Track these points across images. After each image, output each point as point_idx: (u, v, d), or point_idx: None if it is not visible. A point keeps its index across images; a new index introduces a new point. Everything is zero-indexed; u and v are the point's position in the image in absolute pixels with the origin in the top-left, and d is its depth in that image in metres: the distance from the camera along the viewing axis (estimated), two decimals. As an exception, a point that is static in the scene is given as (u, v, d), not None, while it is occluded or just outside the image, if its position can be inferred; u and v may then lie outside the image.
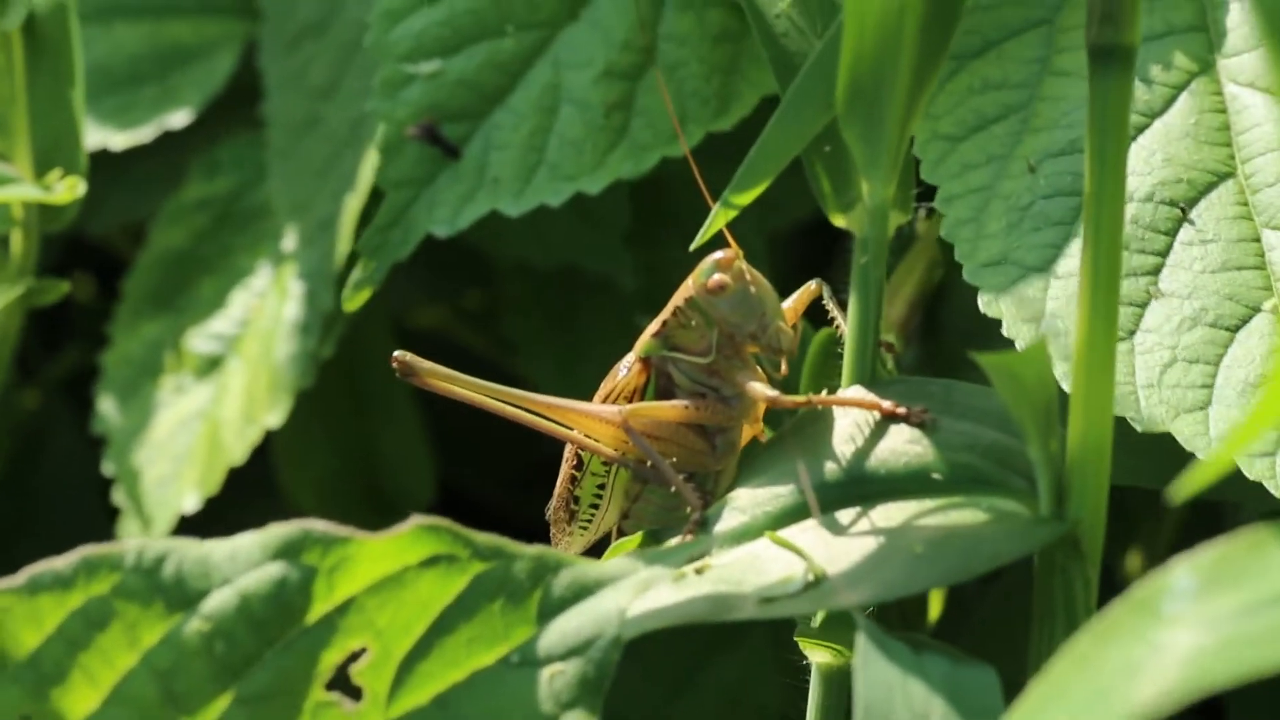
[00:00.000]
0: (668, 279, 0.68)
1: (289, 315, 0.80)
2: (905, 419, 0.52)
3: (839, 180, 0.54)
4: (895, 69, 0.49)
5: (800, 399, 0.54)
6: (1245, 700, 0.73)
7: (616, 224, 0.81)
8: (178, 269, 0.86)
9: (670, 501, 0.57)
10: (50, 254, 0.89)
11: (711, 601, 0.49)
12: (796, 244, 0.84)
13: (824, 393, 0.55)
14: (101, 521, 0.86)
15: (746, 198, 0.54)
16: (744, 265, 0.56)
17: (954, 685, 0.46)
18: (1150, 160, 0.58)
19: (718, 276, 0.55)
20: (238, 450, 0.80)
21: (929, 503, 0.51)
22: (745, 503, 0.53)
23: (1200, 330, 0.55)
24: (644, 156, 0.68)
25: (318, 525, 0.48)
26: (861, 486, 0.52)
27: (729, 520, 0.53)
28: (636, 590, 0.47)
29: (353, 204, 0.77)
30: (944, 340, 0.75)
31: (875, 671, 0.46)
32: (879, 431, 0.52)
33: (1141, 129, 0.59)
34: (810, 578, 0.49)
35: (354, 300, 0.69)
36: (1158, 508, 0.77)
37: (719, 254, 0.56)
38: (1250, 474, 0.54)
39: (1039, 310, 0.57)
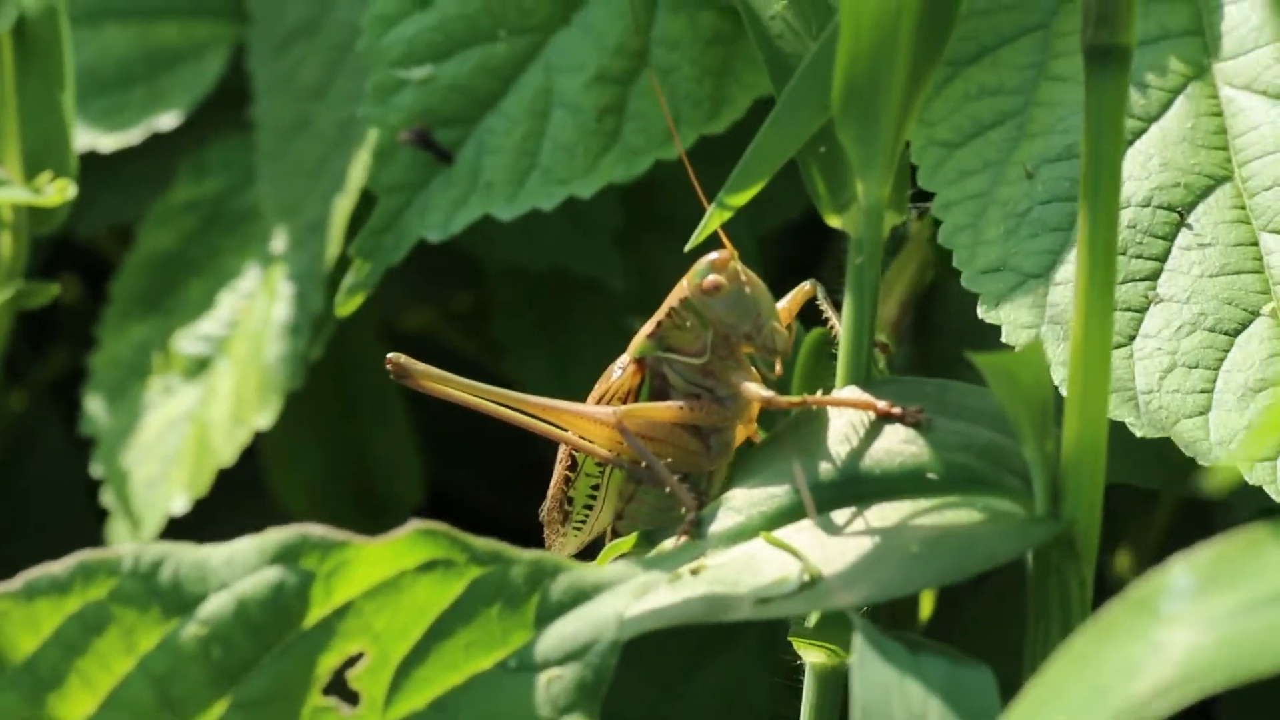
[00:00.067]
0: (659, 281, 0.68)
1: (278, 317, 0.80)
2: (900, 419, 0.53)
3: (834, 181, 0.54)
4: (891, 69, 0.49)
5: (795, 399, 0.55)
6: (1237, 701, 0.73)
7: (607, 227, 0.81)
8: (166, 271, 0.85)
9: (664, 502, 0.57)
10: (37, 256, 0.88)
11: (707, 602, 0.49)
12: (787, 244, 0.84)
13: (818, 393, 0.55)
14: (90, 523, 0.86)
15: (742, 199, 0.54)
16: (739, 266, 0.56)
17: (951, 685, 0.47)
18: (1147, 165, 0.58)
19: (713, 277, 0.56)
20: (227, 452, 0.80)
21: (924, 502, 0.51)
22: (740, 503, 0.53)
23: (1199, 335, 0.56)
24: (636, 160, 0.68)
25: (315, 530, 0.48)
26: (856, 486, 0.52)
27: (724, 521, 0.53)
28: (634, 595, 0.47)
29: (343, 206, 0.77)
30: (936, 340, 0.76)
31: (872, 672, 0.46)
32: (874, 431, 0.53)
33: (1138, 133, 0.59)
34: (806, 578, 0.49)
35: (347, 305, 0.69)
36: (1146, 506, 0.77)
37: (714, 255, 0.56)
38: (1250, 479, 0.54)
39: (1038, 317, 0.57)
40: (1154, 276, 0.57)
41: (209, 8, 0.88)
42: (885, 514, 0.51)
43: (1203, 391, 0.55)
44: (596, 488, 0.58)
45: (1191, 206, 0.58)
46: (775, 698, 0.75)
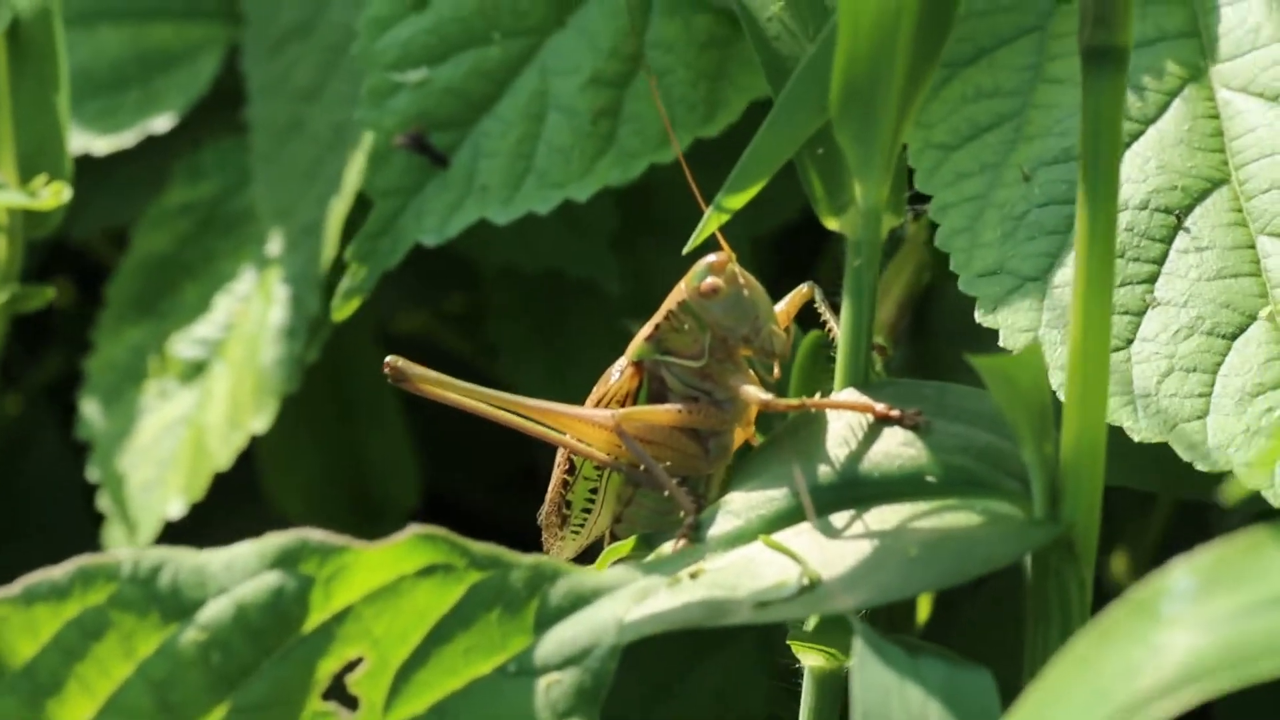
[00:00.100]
0: (654, 284, 0.68)
1: (274, 320, 0.80)
2: (899, 421, 0.53)
3: (832, 183, 0.54)
4: (890, 70, 0.49)
5: (794, 402, 0.55)
6: (1235, 705, 0.73)
7: (603, 230, 0.81)
8: (161, 274, 0.85)
9: (663, 505, 0.57)
10: (31, 259, 0.88)
11: (706, 606, 0.49)
12: (783, 246, 0.84)
13: (817, 395, 0.55)
14: (86, 527, 0.86)
15: (739, 201, 0.54)
16: (736, 269, 0.56)
17: (951, 688, 0.47)
18: (1144, 168, 0.58)
19: (710, 280, 0.56)
20: (223, 455, 0.80)
21: (923, 505, 0.51)
22: (739, 506, 0.53)
23: (1197, 339, 0.55)
24: (632, 163, 0.68)
25: (314, 534, 0.48)
26: (855, 489, 0.52)
27: (723, 524, 0.53)
28: (633, 599, 0.47)
29: (338, 208, 0.77)
30: (932, 343, 0.76)
31: (872, 675, 0.46)
32: (872, 434, 0.53)
33: (1135, 136, 0.59)
34: (805, 582, 0.49)
35: (343, 309, 0.69)
36: (1143, 509, 0.77)
37: (711, 257, 0.56)
38: (1248, 483, 0.54)
39: (1035, 320, 0.57)
40: (1151, 280, 0.57)
41: (203, 9, 0.88)
42: (884, 517, 0.51)
43: (1200, 395, 0.55)
44: (595, 491, 0.58)
45: (1189, 209, 0.58)
46: (771, 699, 0.75)
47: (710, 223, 0.55)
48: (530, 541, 0.58)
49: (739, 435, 0.57)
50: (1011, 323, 0.57)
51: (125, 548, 0.67)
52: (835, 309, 0.56)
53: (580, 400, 0.58)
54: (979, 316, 0.58)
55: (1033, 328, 0.57)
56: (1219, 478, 0.54)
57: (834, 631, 0.54)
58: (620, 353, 0.58)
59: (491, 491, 0.94)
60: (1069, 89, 0.60)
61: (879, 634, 0.48)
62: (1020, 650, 0.51)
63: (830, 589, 0.49)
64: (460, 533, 0.48)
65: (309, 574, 0.48)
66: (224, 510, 0.82)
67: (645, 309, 0.59)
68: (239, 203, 0.86)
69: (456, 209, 0.69)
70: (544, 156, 0.69)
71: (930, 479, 0.51)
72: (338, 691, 0.48)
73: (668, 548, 0.53)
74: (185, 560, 0.48)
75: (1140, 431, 0.55)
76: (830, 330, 0.57)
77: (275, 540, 0.48)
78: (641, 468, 0.56)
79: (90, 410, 0.84)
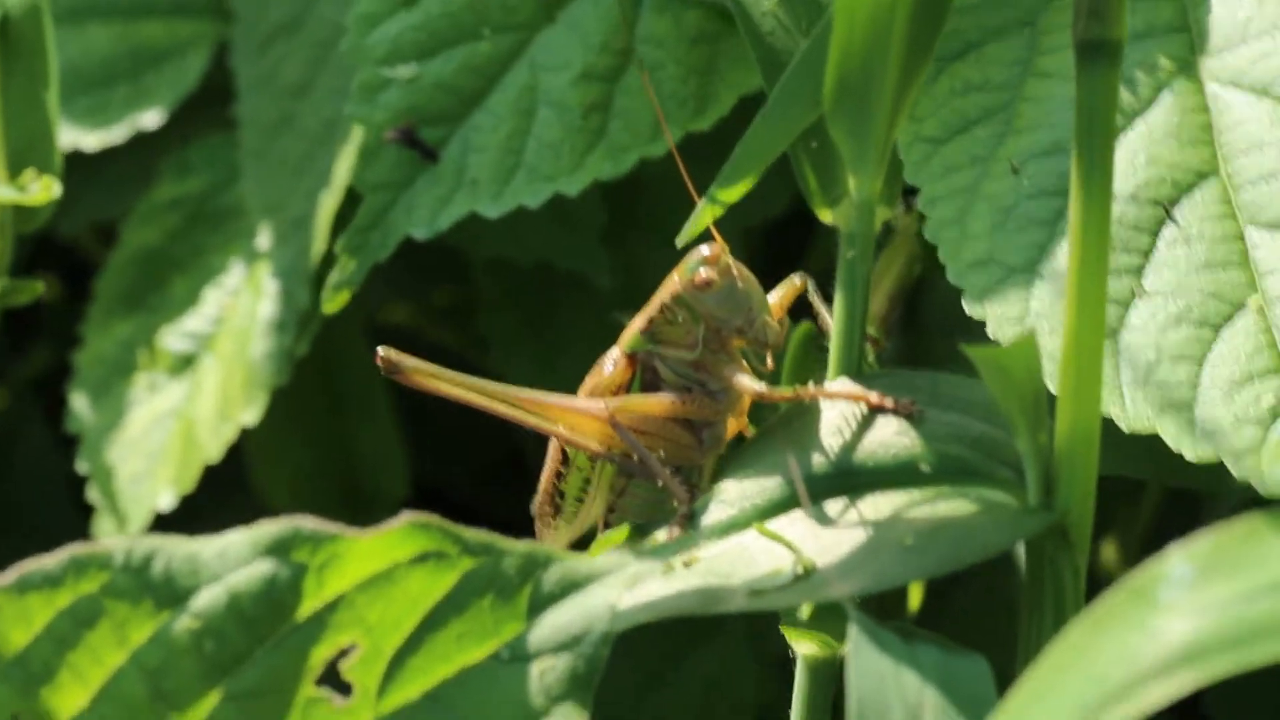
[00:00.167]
0: (644, 278, 0.68)
1: (264, 313, 0.80)
2: (893, 411, 0.53)
3: (825, 176, 0.54)
4: (884, 64, 0.50)
5: (788, 392, 0.55)
6: (1226, 693, 0.74)
7: (592, 224, 0.81)
8: (150, 268, 0.85)
9: (656, 495, 0.57)
10: (17, 254, 0.88)
11: (700, 594, 0.49)
12: (773, 238, 0.85)
13: (810, 386, 0.55)
14: (75, 520, 0.85)
15: (732, 194, 0.55)
16: (730, 260, 0.56)
17: (946, 675, 0.47)
18: (1134, 161, 0.59)
19: (704, 271, 0.56)
20: (213, 448, 0.80)
21: (918, 494, 0.51)
22: (732, 496, 0.53)
23: (1184, 328, 0.56)
24: (622, 158, 0.69)
25: (307, 522, 0.48)
26: (850, 478, 0.52)
27: (716, 513, 0.53)
28: (626, 585, 0.47)
29: (328, 202, 0.77)
30: (924, 334, 0.76)
31: (867, 662, 0.47)
32: (866, 424, 0.53)
33: (1124, 129, 0.59)
34: (799, 570, 0.49)
35: (333, 302, 0.69)
36: (1133, 497, 0.78)
37: (705, 250, 0.56)
38: (1237, 472, 0.54)
39: (1023, 310, 0.57)
40: (1140, 270, 0.57)
41: (192, 6, 0.88)
42: (878, 505, 0.51)
43: (1189, 384, 0.55)
44: (588, 481, 0.58)
45: (1177, 201, 0.58)
46: (762, 687, 0.75)
47: (704, 215, 0.55)
48: (520, 531, 0.57)
49: (732, 425, 0.57)
50: (1000, 313, 0.57)
51: (118, 537, 0.67)
52: (826, 300, 0.56)
53: (569, 392, 0.59)
54: (967, 307, 0.58)
55: (1021, 318, 0.57)
56: (1208, 466, 0.54)
57: (828, 619, 0.54)
58: (609, 345, 0.58)
59: (480, 483, 0.95)
60: (1058, 83, 0.60)
61: (874, 621, 0.48)
62: (1011, 638, 0.52)
63: (825, 576, 0.49)
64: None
65: (302, 562, 0.48)
66: (214, 503, 0.82)
67: (635, 302, 0.59)
68: (228, 198, 0.86)
69: (447, 203, 0.69)
70: (534, 151, 0.69)
71: (924, 467, 0.51)
72: (331, 678, 0.48)
73: (661, 535, 0.53)
74: (178, 549, 0.48)
75: (1129, 420, 0.55)
76: (823, 321, 0.57)
77: (268, 528, 0.48)
78: (635, 458, 0.56)
79: (79, 403, 0.84)
